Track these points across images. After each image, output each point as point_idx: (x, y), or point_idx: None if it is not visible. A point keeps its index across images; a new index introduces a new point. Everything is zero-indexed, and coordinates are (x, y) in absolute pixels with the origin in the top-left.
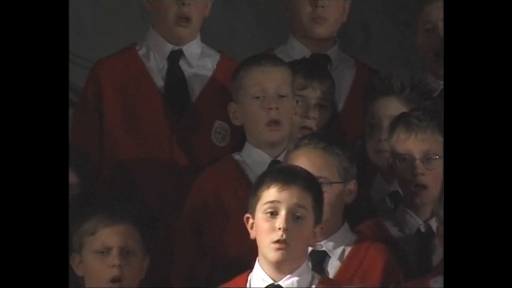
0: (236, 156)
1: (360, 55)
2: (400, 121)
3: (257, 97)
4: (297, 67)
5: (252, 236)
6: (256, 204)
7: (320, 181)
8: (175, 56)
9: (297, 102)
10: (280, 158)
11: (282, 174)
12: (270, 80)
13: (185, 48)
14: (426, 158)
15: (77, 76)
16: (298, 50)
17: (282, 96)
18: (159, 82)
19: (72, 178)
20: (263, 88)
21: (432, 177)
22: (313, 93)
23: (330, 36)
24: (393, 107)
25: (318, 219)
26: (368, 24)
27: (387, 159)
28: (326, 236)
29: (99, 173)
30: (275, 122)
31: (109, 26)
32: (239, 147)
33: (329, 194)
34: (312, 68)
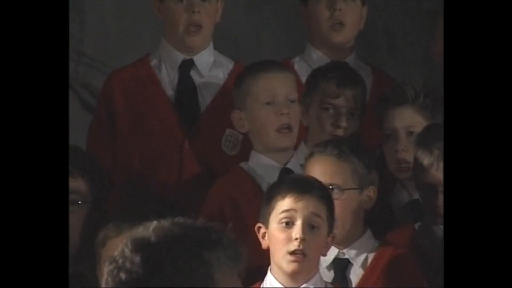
0: (245, 166)
1: (385, 62)
2: (425, 141)
3: (268, 103)
4: (330, 74)
5: (264, 246)
6: (270, 214)
7: (331, 187)
8: (186, 66)
9: (328, 110)
10: (289, 166)
11: (297, 184)
12: (280, 86)
13: (196, 58)
14: None
15: (100, 82)
16: (316, 58)
17: (292, 101)
18: (170, 92)
19: (84, 186)
20: (274, 94)
21: None
22: (345, 102)
23: (348, 44)
24: (408, 116)
25: (331, 228)
26: (392, 31)
27: (408, 167)
28: (348, 243)
29: (112, 181)
30: (286, 128)
31: (134, 33)
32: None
33: (345, 201)
34: (345, 76)
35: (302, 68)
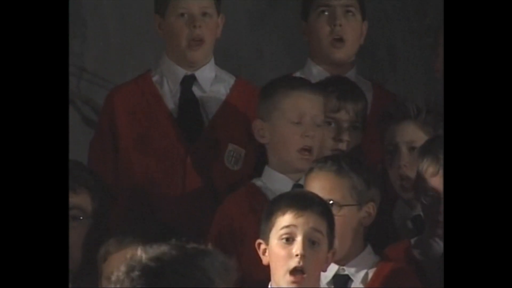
0: (258, 182)
1: (387, 78)
2: (431, 150)
3: (295, 122)
4: (330, 88)
5: (264, 262)
6: (270, 230)
7: (330, 203)
8: (188, 81)
9: (330, 124)
10: (301, 182)
11: (297, 199)
12: (309, 107)
13: (198, 73)
14: None
15: (102, 98)
16: (316, 73)
17: (318, 125)
18: (172, 107)
19: (86, 201)
20: (302, 114)
21: None
22: (346, 116)
23: (349, 59)
24: (410, 132)
25: (331, 244)
26: (394, 47)
27: (411, 184)
28: (348, 260)
29: (115, 197)
30: (308, 150)
31: (136, 49)
32: (257, 171)
33: (344, 217)
34: (346, 89)
35: None
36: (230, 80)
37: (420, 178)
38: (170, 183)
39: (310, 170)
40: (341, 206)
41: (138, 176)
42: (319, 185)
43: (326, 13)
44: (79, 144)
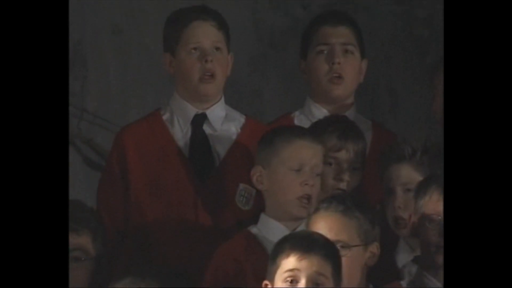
0: (253, 229)
1: (386, 118)
2: (434, 181)
3: (294, 170)
4: (330, 127)
5: None
6: (275, 271)
7: (338, 245)
8: (199, 120)
9: (330, 164)
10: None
11: (301, 242)
12: (310, 156)
13: (208, 112)
14: None
15: (106, 141)
16: (316, 112)
17: (317, 175)
18: (183, 146)
19: (88, 242)
20: (303, 163)
21: None
22: (347, 155)
23: (348, 97)
24: (405, 174)
25: (337, 285)
26: (395, 87)
27: (410, 222)
28: None
29: (125, 237)
30: (307, 199)
31: (137, 90)
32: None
33: (350, 257)
34: (346, 129)
35: (302, 123)
36: (240, 119)
37: (422, 209)
38: (181, 223)
39: (316, 210)
40: (350, 247)
41: (148, 215)
42: (327, 226)
43: (325, 51)
44: (80, 185)
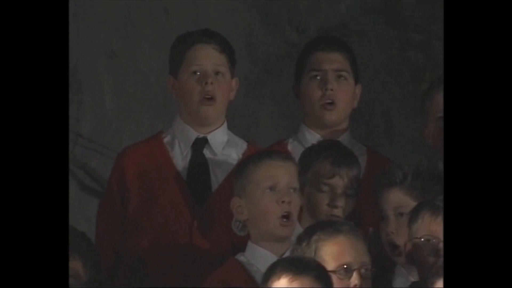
0: (240, 257)
1: (382, 144)
2: (425, 205)
3: (269, 189)
4: (324, 153)
5: None
6: None
7: (366, 268)
8: (200, 144)
9: (323, 191)
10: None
11: (293, 264)
12: (282, 174)
13: (210, 136)
14: None
15: (101, 166)
16: (309, 138)
17: (293, 190)
18: (182, 169)
19: (80, 268)
20: (276, 181)
21: None
22: (341, 182)
23: (341, 123)
24: (396, 198)
25: None
26: (389, 111)
27: (406, 250)
28: None
29: (120, 261)
30: (286, 217)
31: (132, 114)
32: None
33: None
34: (340, 155)
35: (295, 149)
36: (242, 145)
37: (416, 232)
38: (177, 247)
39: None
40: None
41: (145, 238)
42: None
43: (318, 77)
44: (74, 209)
